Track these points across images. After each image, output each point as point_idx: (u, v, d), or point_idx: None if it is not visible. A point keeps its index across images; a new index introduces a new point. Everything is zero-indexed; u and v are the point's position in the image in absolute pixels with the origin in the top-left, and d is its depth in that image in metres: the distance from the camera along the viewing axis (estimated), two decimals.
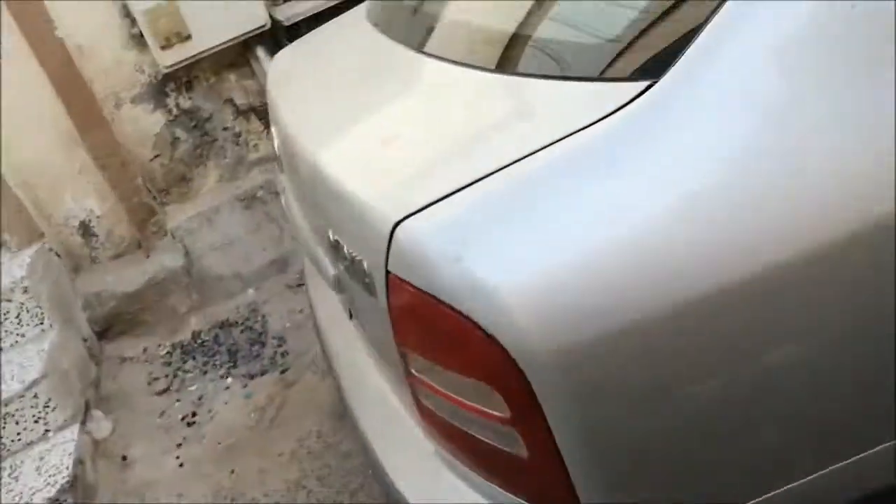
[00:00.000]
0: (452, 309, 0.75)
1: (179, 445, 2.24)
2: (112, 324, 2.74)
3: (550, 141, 0.77)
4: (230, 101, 2.93)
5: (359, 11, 1.59)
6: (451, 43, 1.19)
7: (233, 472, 2.07)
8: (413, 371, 0.88)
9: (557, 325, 0.73)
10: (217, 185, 2.94)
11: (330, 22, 1.74)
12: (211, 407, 2.35)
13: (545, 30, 1.00)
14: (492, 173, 0.79)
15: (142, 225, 2.79)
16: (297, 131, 1.21)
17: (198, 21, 2.61)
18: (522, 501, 0.85)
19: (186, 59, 2.64)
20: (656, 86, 0.76)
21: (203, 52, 2.67)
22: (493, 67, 1.00)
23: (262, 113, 2.93)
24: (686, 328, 0.74)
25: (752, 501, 0.83)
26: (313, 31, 1.76)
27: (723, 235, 0.73)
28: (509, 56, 1.01)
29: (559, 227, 0.75)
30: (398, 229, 0.80)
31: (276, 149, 1.38)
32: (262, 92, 2.83)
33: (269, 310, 2.71)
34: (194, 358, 2.59)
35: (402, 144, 0.99)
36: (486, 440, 0.83)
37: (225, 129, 2.95)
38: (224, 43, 2.70)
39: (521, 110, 0.92)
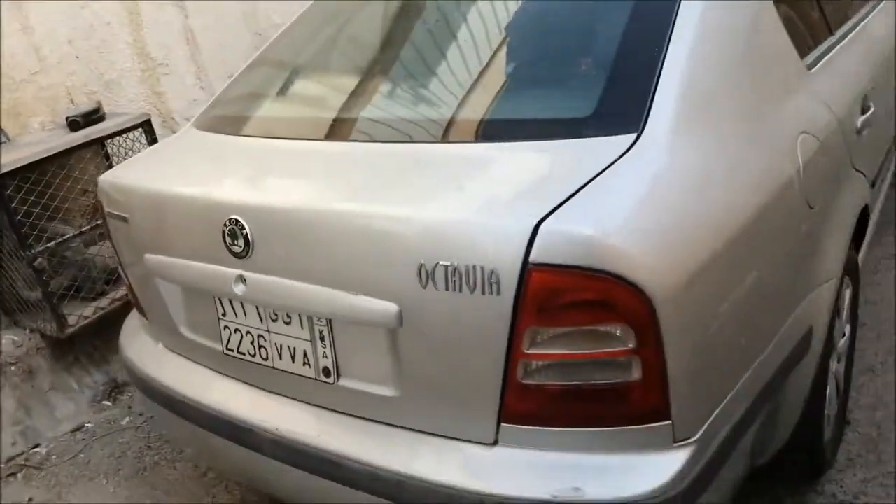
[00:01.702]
0: (603, 273, 1.04)
1: None
2: None
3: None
4: None
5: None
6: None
7: None
8: (526, 351, 1.11)
9: (677, 263, 1.10)
10: None
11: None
12: None
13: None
14: (582, 187, 1.11)
15: None
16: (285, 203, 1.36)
17: None
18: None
19: None
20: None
21: None
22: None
23: None
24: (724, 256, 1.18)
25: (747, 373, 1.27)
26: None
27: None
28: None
29: (663, 199, 1.16)
30: (542, 226, 1.05)
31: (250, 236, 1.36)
32: None
33: None
34: None
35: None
36: (597, 381, 1.11)
37: None
38: None
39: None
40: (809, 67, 1.62)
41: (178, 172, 1.66)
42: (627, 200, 1.13)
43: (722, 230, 1.19)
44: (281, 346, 1.42)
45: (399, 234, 1.18)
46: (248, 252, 1.34)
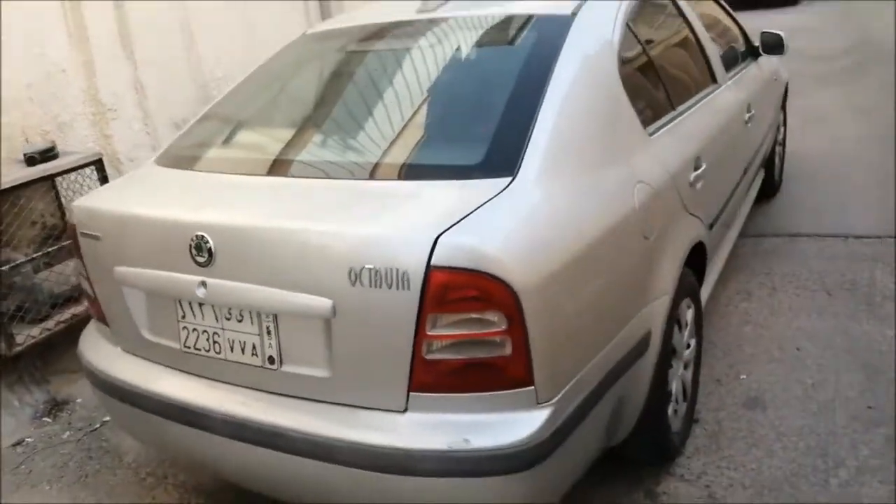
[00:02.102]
0: (481, 273, 1.44)
1: None
2: None
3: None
4: None
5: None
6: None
7: None
8: (429, 333, 1.49)
9: (536, 267, 1.51)
10: None
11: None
12: None
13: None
14: (470, 213, 1.53)
15: None
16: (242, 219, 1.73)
17: None
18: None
19: None
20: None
21: None
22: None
23: None
24: (574, 265, 1.62)
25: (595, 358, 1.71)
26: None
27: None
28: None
29: (528, 222, 1.60)
30: (440, 239, 1.46)
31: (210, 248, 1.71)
32: None
33: None
34: None
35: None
36: (480, 356, 1.51)
37: None
38: None
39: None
40: (650, 134, 2.13)
41: (146, 198, 1.98)
42: (501, 223, 1.55)
43: (572, 246, 1.62)
44: (233, 341, 1.74)
45: (333, 246, 1.56)
46: (210, 261, 1.68)
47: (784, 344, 2.83)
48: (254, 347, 1.71)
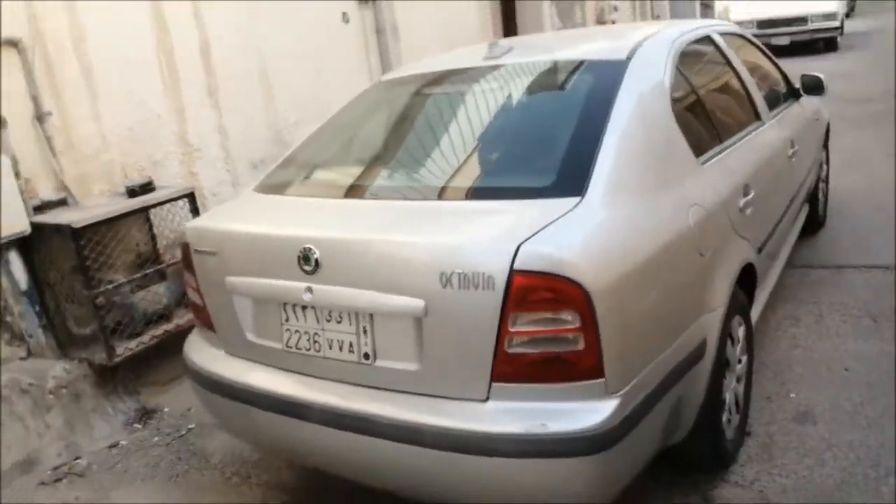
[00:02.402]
0: (558, 276, 1.67)
1: None
2: None
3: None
4: None
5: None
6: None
7: None
8: (510, 329, 1.70)
9: (605, 272, 1.73)
10: None
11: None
12: None
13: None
14: (546, 226, 1.76)
15: None
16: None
17: None
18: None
19: None
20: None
21: None
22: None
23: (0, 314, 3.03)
24: (637, 274, 1.84)
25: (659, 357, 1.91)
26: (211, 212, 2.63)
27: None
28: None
29: (596, 235, 1.82)
30: (521, 247, 1.69)
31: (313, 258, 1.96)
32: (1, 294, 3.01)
33: None
34: None
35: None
36: (555, 349, 1.72)
37: None
38: None
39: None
40: (702, 163, 2.35)
41: (253, 218, 2.27)
42: (574, 235, 1.77)
43: (635, 257, 1.84)
44: (332, 341, 1.98)
45: (426, 254, 1.80)
46: (315, 270, 1.93)
47: (832, 365, 2.95)
48: (351, 345, 1.95)
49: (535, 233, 1.74)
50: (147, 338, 3.27)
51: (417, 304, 1.79)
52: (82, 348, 3.22)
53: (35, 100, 3.16)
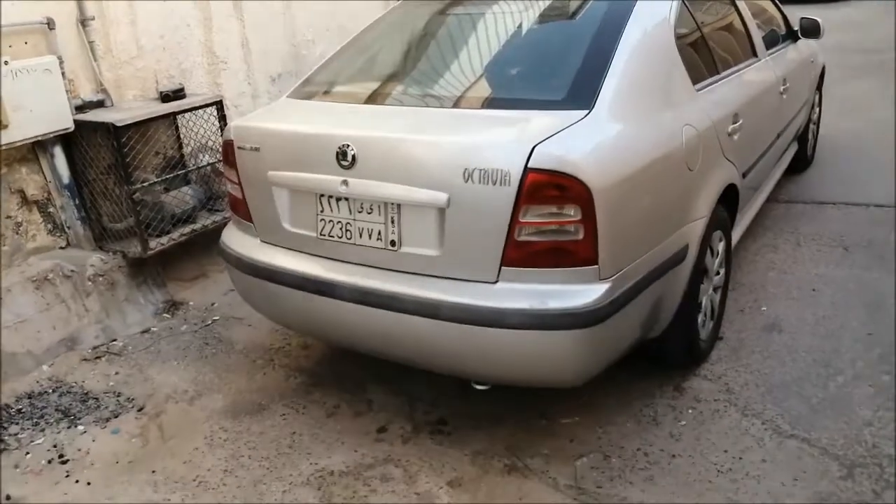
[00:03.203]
0: (565, 174, 1.92)
1: (67, 476, 2.39)
2: None
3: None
4: (20, 191, 3.15)
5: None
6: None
7: (154, 471, 2.38)
8: (521, 220, 1.97)
9: (605, 175, 1.99)
10: None
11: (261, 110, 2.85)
12: (78, 447, 2.53)
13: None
14: (556, 132, 2.00)
15: None
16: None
17: (17, 113, 2.91)
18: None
19: (0, 146, 2.87)
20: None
21: (15, 142, 2.92)
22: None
23: (43, 205, 3.28)
24: (633, 179, 2.10)
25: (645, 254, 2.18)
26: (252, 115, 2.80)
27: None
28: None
29: (600, 143, 2.07)
30: (536, 148, 1.93)
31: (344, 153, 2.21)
32: (45, 187, 3.24)
33: (76, 378, 2.96)
34: (18, 423, 2.69)
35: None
36: (558, 239, 1.98)
37: (8, 217, 3.11)
38: (34, 137, 3.01)
39: None
40: (698, 90, 2.59)
41: (294, 119, 2.51)
42: (581, 141, 2.03)
43: (633, 164, 2.10)
44: (362, 229, 2.25)
45: (451, 152, 2.06)
46: (352, 165, 2.18)
47: (803, 286, 3.27)
48: (379, 233, 2.22)
49: (547, 137, 1.99)
50: (176, 234, 3.53)
51: (441, 196, 2.06)
52: (114, 241, 3.49)
53: (79, 2, 3.34)
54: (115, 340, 3.31)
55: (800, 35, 4.07)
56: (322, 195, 2.32)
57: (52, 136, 3.17)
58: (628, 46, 2.34)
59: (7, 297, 3.06)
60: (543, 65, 2.46)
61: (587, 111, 2.13)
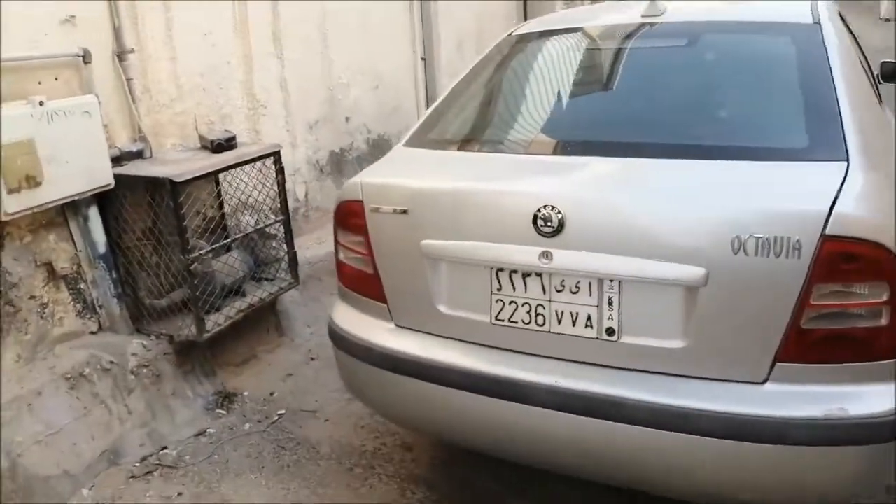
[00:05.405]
0: (870, 242, 1.50)
1: None
2: None
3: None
4: (46, 264, 2.55)
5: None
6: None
7: None
8: (813, 302, 1.53)
9: None
10: (15, 365, 2.46)
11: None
12: None
13: None
14: (841, 188, 1.57)
15: None
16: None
17: (51, 166, 2.33)
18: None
19: (32, 208, 2.32)
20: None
21: (50, 202, 2.36)
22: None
23: (72, 281, 2.65)
24: None
25: None
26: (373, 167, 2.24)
27: None
28: None
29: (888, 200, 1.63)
30: (834, 209, 1.51)
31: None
32: (75, 258, 2.60)
33: None
34: None
35: None
36: (856, 325, 1.55)
37: (32, 297, 2.51)
38: (71, 196, 2.44)
39: None
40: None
41: (453, 175, 2.00)
42: (871, 199, 1.61)
43: None
44: (561, 313, 1.75)
45: (714, 215, 1.59)
46: (558, 231, 1.69)
47: None
48: (588, 318, 1.72)
49: (837, 197, 1.56)
50: (233, 312, 2.93)
51: (696, 272, 1.59)
52: (154, 322, 2.86)
53: (116, 32, 2.75)
54: (165, 448, 2.66)
55: (880, 80, 3.83)
56: (501, 269, 1.81)
57: (88, 194, 2.55)
58: (842, 80, 1.94)
59: (36, 402, 2.39)
60: (756, 106, 2.03)
61: (844, 160, 1.71)
